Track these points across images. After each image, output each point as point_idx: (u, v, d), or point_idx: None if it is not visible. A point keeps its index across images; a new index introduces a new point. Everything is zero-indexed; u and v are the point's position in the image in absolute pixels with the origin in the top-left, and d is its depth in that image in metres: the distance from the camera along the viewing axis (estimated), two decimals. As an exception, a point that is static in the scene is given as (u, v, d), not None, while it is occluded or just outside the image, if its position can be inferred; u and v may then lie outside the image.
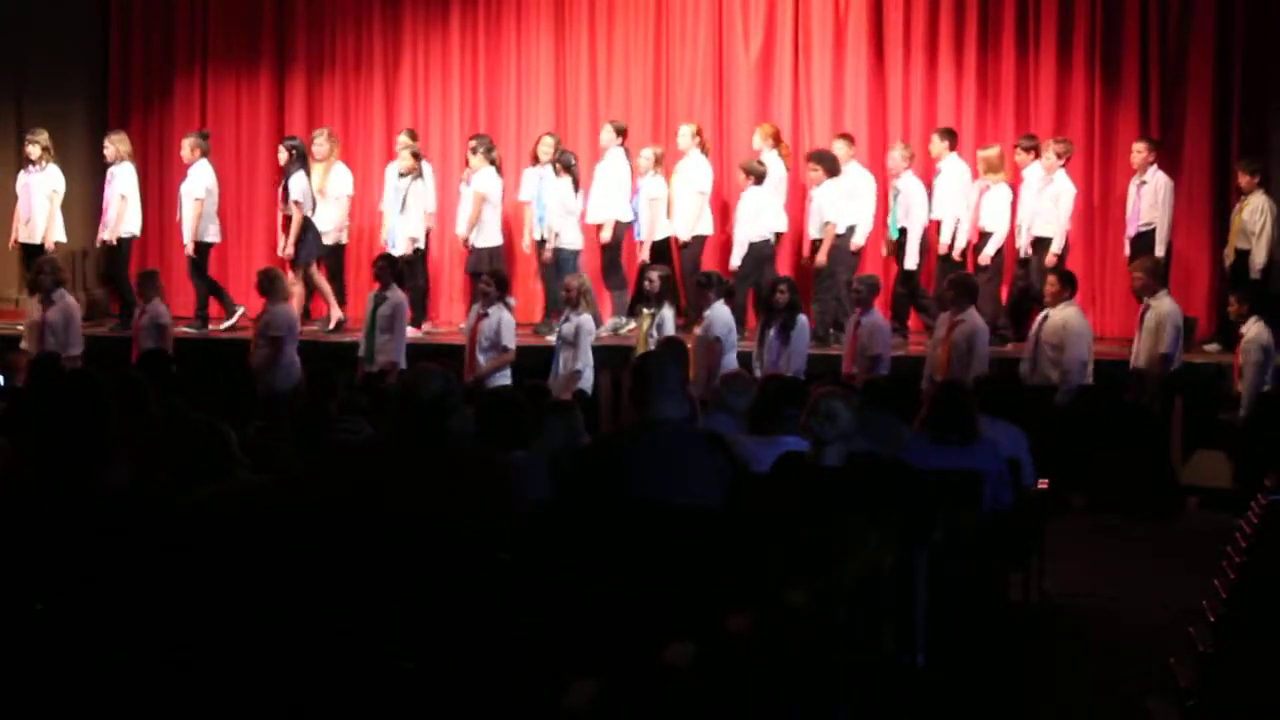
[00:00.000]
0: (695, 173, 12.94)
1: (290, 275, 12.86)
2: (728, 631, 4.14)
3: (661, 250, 12.89)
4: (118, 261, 13.52)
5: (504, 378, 11.18)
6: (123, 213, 13.41)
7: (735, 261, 12.53)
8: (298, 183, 13.02)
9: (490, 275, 11.67)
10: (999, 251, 12.32)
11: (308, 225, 13.06)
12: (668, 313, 11.31)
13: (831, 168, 12.57)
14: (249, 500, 5.15)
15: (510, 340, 11.32)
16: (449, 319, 13.92)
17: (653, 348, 10.54)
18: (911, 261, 12.59)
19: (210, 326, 13.42)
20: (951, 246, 12.45)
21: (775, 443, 6.87)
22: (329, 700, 3.72)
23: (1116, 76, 13.01)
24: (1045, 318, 10.91)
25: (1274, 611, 5.22)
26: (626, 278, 13.15)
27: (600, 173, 13.10)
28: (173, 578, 4.32)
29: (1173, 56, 12.91)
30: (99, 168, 13.90)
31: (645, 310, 11.48)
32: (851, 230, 12.57)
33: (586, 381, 11.23)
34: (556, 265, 12.73)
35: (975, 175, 12.58)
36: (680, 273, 12.67)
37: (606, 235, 12.98)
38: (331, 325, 13.23)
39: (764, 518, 5.44)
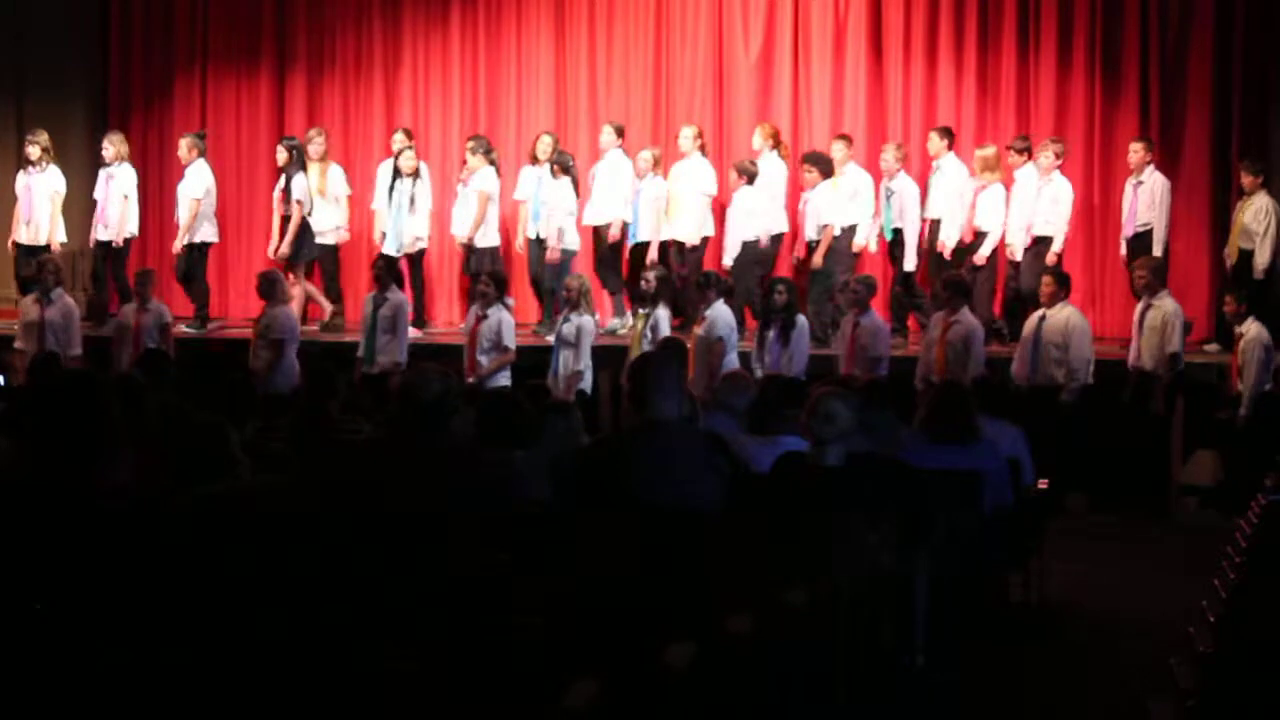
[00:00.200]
0: (698, 175, 12.90)
1: (290, 276, 12.85)
2: (728, 631, 4.15)
3: (661, 252, 12.86)
4: (119, 262, 13.50)
5: (504, 378, 11.19)
6: (125, 213, 13.41)
7: (728, 261, 12.52)
8: (299, 183, 13.02)
9: (489, 276, 11.65)
10: (994, 251, 12.32)
11: (305, 226, 13.06)
12: (662, 313, 11.28)
13: (826, 169, 12.55)
14: (249, 500, 5.14)
15: (511, 340, 11.31)
16: (449, 319, 13.91)
17: (647, 348, 10.55)
18: (910, 263, 12.58)
19: (210, 325, 13.41)
20: (946, 244, 12.45)
21: (775, 443, 6.88)
22: (329, 700, 3.72)
23: (1116, 76, 13.01)
24: (1043, 318, 10.91)
25: (1274, 611, 5.22)
26: (623, 279, 13.12)
27: (601, 174, 13.06)
28: (173, 578, 4.32)
29: (1173, 56, 12.91)
30: (99, 168, 13.87)
31: (640, 310, 11.48)
32: (851, 231, 12.56)
33: (586, 382, 11.24)
34: (557, 266, 12.72)
35: (972, 174, 12.58)
36: (685, 276, 12.61)
37: (615, 233, 12.91)
38: (326, 318, 13.21)
39: (764, 518, 5.45)
